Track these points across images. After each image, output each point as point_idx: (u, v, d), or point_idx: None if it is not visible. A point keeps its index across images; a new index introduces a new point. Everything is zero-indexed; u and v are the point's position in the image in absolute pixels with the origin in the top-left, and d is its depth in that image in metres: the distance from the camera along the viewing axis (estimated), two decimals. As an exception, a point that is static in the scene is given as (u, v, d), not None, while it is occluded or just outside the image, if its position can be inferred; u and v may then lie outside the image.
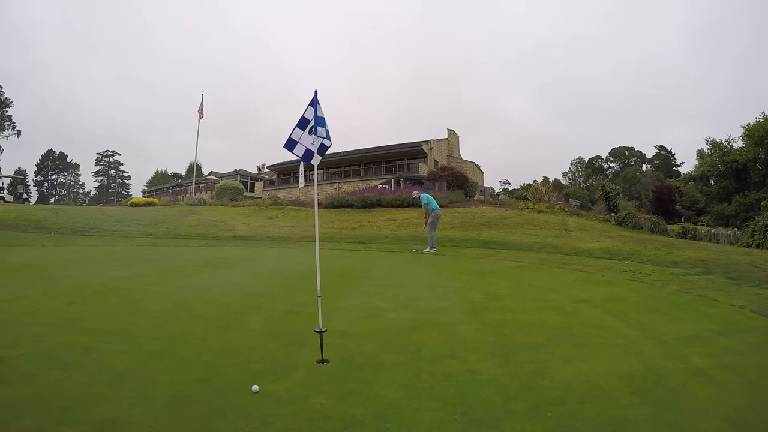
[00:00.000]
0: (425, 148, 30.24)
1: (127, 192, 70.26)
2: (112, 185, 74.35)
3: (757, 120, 24.75)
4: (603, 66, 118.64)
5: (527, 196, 21.69)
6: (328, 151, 3.45)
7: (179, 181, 50.75)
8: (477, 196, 25.92)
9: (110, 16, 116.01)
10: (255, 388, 2.28)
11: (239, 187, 27.06)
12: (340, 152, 30.34)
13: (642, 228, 14.72)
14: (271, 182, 37.95)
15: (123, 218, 16.18)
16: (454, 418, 2.01)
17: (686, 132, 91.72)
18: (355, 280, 5.97)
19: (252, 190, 37.76)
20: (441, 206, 10.88)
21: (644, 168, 65.54)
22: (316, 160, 3.28)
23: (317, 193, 3.48)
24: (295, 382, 2.38)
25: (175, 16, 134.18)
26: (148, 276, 5.90)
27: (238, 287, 5.18)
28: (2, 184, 30.24)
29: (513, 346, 3.09)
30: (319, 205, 19.28)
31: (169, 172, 68.19)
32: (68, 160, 74.80)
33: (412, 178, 27.21)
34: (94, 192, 75.92)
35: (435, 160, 31.20)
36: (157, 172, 68.91)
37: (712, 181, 27.91)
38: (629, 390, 2.34)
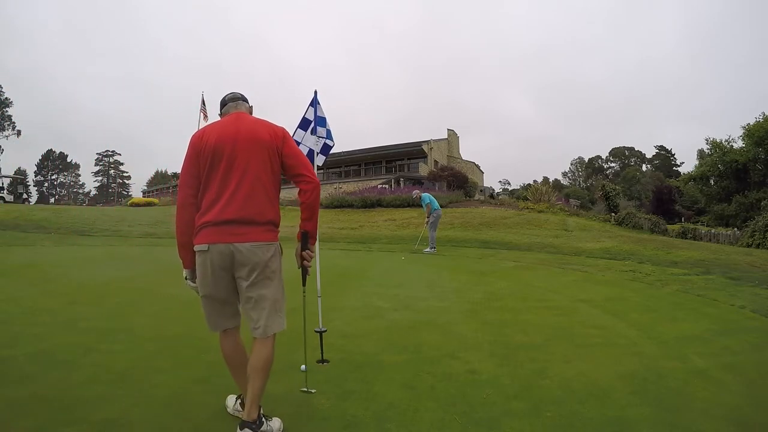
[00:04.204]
0: (425, 148, 30.25)
1: (127, 192, 70.30)
2: (112, 185, 74.34)
3: (757, 120, 24.79)
4: (604, 67, 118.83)
5: (527, 196, 21.72)
6: (330, 151, 3.45)
7: (179, 181, 50.64)
8: (477, 196, 25.92)
9: (111, 16, 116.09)
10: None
11: (239, 187, 27.00)
12: (341, 152, 30.35)
13: (642, 228, 14.73)
14: (271, 182, 37.90)
15: (123, 218, 16.18)
16: (454, 418, 2.01)
17: (686, 132, 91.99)
18: (355, 280, 5.97)
19: (252, 190, 37.73)
20: (441, 206, 10.88)
21: (644, 168, 65.57)
22: (319, 160, 3.28)
23: (317, 193, 3.48)
24: (295, 382, 2.38)
25: (176, 16, 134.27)
26: (148, 276, 5.90)
27: (238, 287, 5.17)
28: (2, 184, 30.24)
29: (513, 346, 3.08)
30: (320, 205, 19.23)
31: (169, 172, 68.20)
32: (68, 160, 74.90)
33: (412, 178, 27.23)
34: (94, 192, 75.95)
35: (435, 160, 31.21)
36: (157, 172, 69.08)
37: (712, 181, 27.94)
38: (629, 390, 2.34)
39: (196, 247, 1.82)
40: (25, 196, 34.10)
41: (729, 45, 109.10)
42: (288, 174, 1.92)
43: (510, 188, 62.64)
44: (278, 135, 1.88)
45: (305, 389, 2.30)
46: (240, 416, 1.83)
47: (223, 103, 2.03)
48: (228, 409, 2.02)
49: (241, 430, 1.71)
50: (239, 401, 1.97)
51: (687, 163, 63.97)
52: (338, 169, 32.24)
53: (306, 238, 1.97)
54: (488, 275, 6.49)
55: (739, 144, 26.01)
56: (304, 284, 2.17)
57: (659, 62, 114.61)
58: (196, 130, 1.97)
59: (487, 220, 14.34)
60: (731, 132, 43.93)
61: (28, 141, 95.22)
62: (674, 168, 61.40)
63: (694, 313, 4.19)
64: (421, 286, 5.44)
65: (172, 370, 2.52)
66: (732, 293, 5.05)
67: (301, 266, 2.04)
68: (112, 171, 77.97)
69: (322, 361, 2.70)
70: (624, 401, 2.20)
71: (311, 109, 3.24)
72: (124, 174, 78.45)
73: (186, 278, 1.93)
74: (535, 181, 56.75)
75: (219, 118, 2.02)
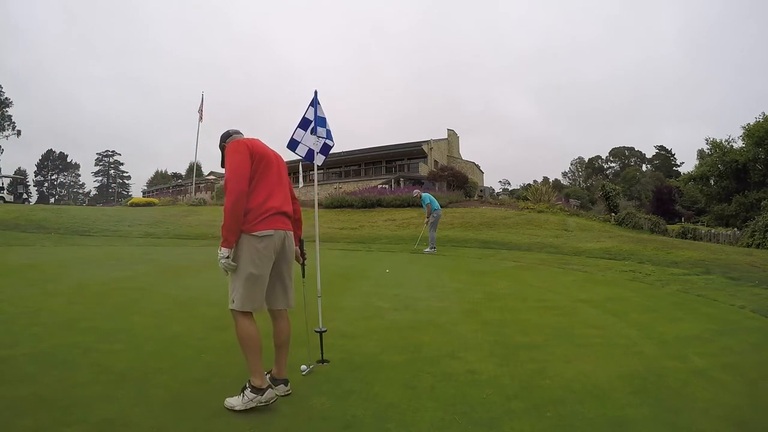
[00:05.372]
0: (425, 148, 30.22)
1: (127, 192, 70.24)
2: (112, 185, 74.33)
3: (757, 120, 24.77)
4: (604, 67, 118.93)
5: (527, 196, 21.72)
6: (330, 151, 3.45)
7: (179, 181, 50.69)
8: (477, 196, 25.92)
9: (111, 17, 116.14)
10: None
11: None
12: (341, 152, 30.31)
13: (642, 228, 14.73)
14: (271, 182, 37.84)
15: (123, 218, 16.18)
16: (454, 418, 2.01)
17: (686, 132, 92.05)
18: (355, 280, 5.97)
19: (252, 190, 37.62)
20: (441, 206, 10.88)
21: (644, 168, 65.59)
22: (319, 160, 3.27)
23: (317, 193, 3.48)
24: (295, 382, 2.38)
25: (176, 17, 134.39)
26: (148, 276, 5.90)
27: (238, 287, 5.16)
28: (2, 184, 30.24)
29: (513, 346, 3.08)
30: (319, 205, 19.25)
31: (169, 172, 68.13)
32: (68, 160, 74.89)
33: (412, 178, 27.21)
34: (94, 192, 75.96)
35: (435, 160, 31.18)
36: (157, 172, 68.90)
37: (712, 181, 27.91)
38: (629, 390, 2.34)
39: (262, 232, 2.11)
40: (25, 196, 34.07)
41: (729, 45, 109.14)
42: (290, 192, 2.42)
43: (510, 188, 62.66)
44: None
45: (311, 365, 2.59)
46: (241, 406, 2.04)
47: (228, 135, 2.37)
48: (236, 408, 2.02)
49: (285, 385, 2.23)
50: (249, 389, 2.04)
51: (687, 163, 64.10)
52: (338, 169, 32.21)
53: (303, 243, 2.60)
54: (488, 275, 6.49)
55: (739, 144, 26.00)
56: (304, 276, 2.68)
57: (659, 62, 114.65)
58: (245, 138, 2.28)
59: (487, 220, 14.34)
60: (731, 132, 43.94)
61: (28, 141, 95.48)
62: (674, 168, 61.41)
63: (694, 313, 4.19)
64: (421, 286, 5.44)
65: (171, 370, 2.52)
66: (732, 293, 5.05)
67: (302, 263, 2.64)
68: (112, 171, 77.96)
69: (322, 361, 2.70)
70: (624, 401, 2.20)
71: (311, 109, 3.24)
72: (124, 174, 78.51)
73: (227, 257, 2.07)
74: (535, 181, 56.74)
75: (224, 145, 2.30)
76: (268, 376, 2.27)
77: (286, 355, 2.28)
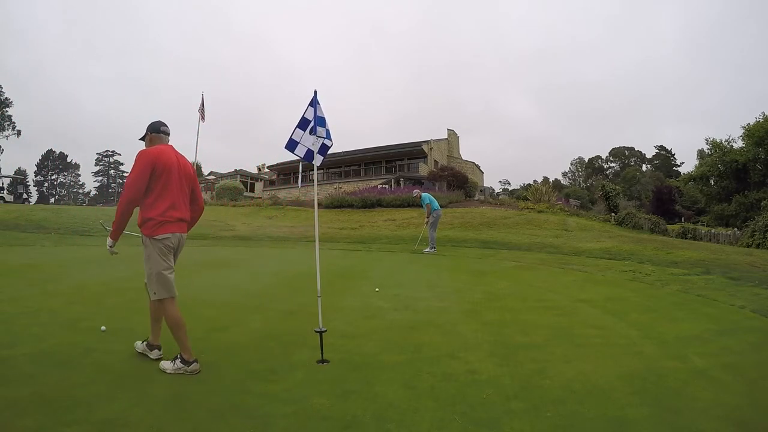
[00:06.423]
0: (425, 148, 30.22)
1: (127, 192, 69.90)
2: (112, 185, 74.27)
3: (757, 120, 24.72)
4: (604, 67, 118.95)
5: (527, 196, 21.72)
6: (329, 151, 3.45)
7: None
8: (477, 196, 25.93)
9: (111, 17, 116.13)
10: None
11: (239, 187, 27.04)
12: (341, 152, 30.33)
13: (642, 228, 14.72)
14: (271, 182, 37.96)
15: (123, 218, 16.13)
16: (454, 418, 2.01)
17: (686, 132, 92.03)
18: (355, 280, 5.97)
19: (252, 190, 37.68)
20: (441, 206, 10.87)
21: (644, 168, 65.55)
22: (317, 161, 3.27)
23: (317, 193, 3.48)
24: (295, 382, 2.38)
25: (176, 17, 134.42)
26: (148, 276, 5.88)
27: (237, 287, 5.18)
28: (2, 184, 30.20)
29: (513, 346, 3.08)
30: (319, 205, 19.27)
31: (169, 172, 67.93)
32: (68, 160, 74.84)
33: (412, 178, 27.21)
34: (94, 192, 75.89)
35: (435, 160, 31.18)
36: (157, 172, 68.63)
37: (712, 181, 27.86)
38: (629, 390, 2.34)
39: (162, 236, 2.56)
40: (25, 196, 34.04)
41: (729, 45, 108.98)
42: (192, 195, 2.82)
43: (510, 188, 62.64)
44: (193, 170, 2.87)
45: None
46: (147, 353, 2.70)
47: (156, 129, 2.79)
48: (168, 371, 2.48)
49: (159, 350, 2.70)
50: (146, 343, 2.72)
51: (687, 163, 64.08)
52: (338, 169, 32.21)
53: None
54: (488, 275, 6.49)
55: (739, 144, 25.94)
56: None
57: (659, 62, 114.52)
58: (154, 149, 2.64)
59: (487, 220, 14.34)
60: (731, 132, 43.90)
61: (28, 141, 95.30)
62: (674, 168, 61.37)
63: (694, 313, 4.19)
64: (421, 287, 5.44)
65: (172, 370, 2.52)
66: (732, 293, 5.05)
67: None
68: (112, 171, 77.92)
69: (322, 361, 2.70)
70: (624, 401, 2.20)
71: (311, 109, 3.23)
72: (124, 174, 78.31)
73: (111, 246, 2.64)
74: (535, 181, 56.67)
75: (148, 137, 2.76)
76: (145, 343, 2.72)
77: (159, 327, 2.70)
